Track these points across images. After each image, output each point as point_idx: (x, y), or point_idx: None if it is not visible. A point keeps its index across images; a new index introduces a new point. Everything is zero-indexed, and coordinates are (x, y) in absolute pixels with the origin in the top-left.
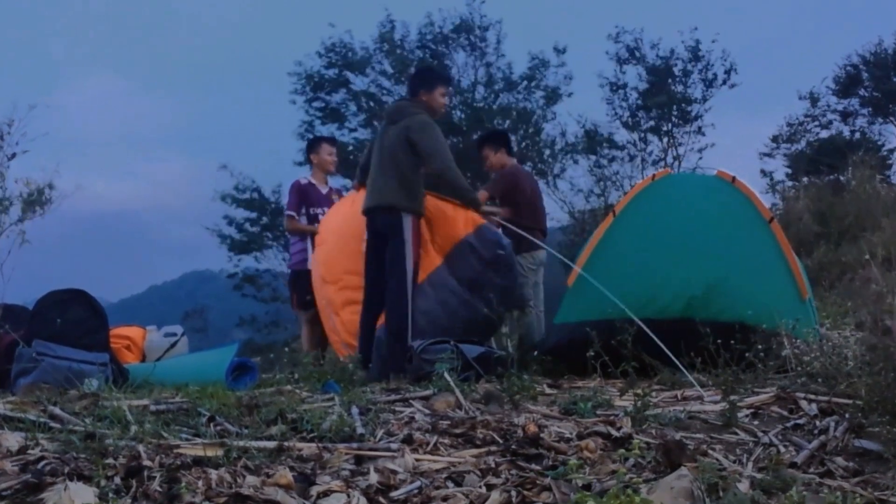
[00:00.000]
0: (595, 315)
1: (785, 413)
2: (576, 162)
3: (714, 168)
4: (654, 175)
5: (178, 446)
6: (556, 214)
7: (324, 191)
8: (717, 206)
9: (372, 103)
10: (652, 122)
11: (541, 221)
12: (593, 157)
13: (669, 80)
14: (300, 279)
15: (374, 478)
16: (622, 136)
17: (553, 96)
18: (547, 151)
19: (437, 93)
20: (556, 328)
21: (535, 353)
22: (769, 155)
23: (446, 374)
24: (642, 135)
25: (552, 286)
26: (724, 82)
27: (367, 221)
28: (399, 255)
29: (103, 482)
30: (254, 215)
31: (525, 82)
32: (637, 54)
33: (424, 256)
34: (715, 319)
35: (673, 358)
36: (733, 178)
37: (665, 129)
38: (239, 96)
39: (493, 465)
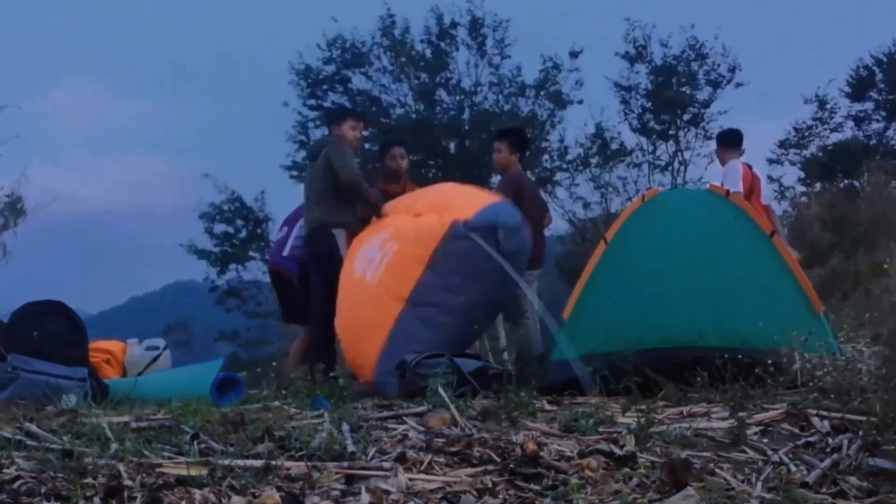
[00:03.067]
0: (595, 349)
1: (796, 430)
2: (588, 167)
3: (720, 176)
4: (643, 195)
5: (160, 465)
6: (555, 224)
7: None
8: (714, 223)
9: (369, 103)
10: (661, 126)
11: (538, 237)
12: (597, 161)
13: (674, 81)
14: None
15: (365, 498)
16: (630, 139)
17: (562, 102)
18: (551, 159)
19: (346, 126)
20: (555, 366)
21: (535, 392)
22: (777, 161)
23: (441, 390)
24: (651, 138)
25: (551, 294)
26: (730, 81)
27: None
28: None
29: (82, 503)
30: (232, 230)
31: (535, 86)
32: (645, 53)
33: (400, 271)
34: (725, 345)
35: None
36: (727, 192)
37: (672, 132)
38: (227, 98)
39: (490, 485)
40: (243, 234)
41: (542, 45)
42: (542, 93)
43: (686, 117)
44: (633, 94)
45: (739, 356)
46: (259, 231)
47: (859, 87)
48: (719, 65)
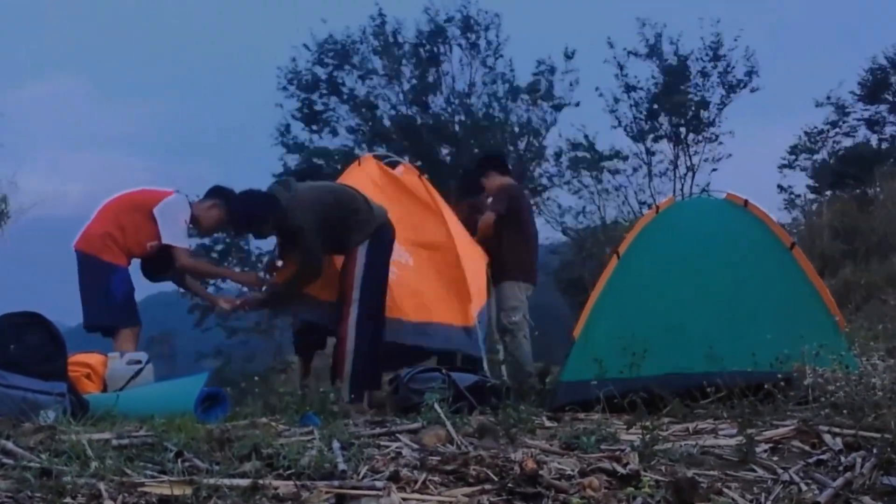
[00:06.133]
0: (606, 371)
1: (807, 448)
2: (580, 172)
3: (729, 183)
4: (657, 206)
5: (142, 484)
6: (550, 235)
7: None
8: (732, 235)
9: (364, 109)
10: (663, 130)
11: (533, 248)
12: (594, 172)
13: (685, 82)
14: None
15: None
16: (626, 144)
17: (558, 106)
18: (541, 167)
19: None
20: (564, 387)
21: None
22: (788, 166)
23: (436, 405)
24: (649, 145)
25: (550, 306)
26: (745, 85)
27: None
28: None
29: None
30: (208, 242)
31: (529, 92)
32: (656, 50)
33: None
34: (742, 368)
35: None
36: (745, 202)
37: (679, 136)
38: (216, 98)
39: None
40: (221, 247)
41: (535, 45)
42: (536, 96)
43: (690, 118)
44: (629, 96)
45: (754, 374)
46: (241, 242)
47: (873, 89)
48: (734, 66)
